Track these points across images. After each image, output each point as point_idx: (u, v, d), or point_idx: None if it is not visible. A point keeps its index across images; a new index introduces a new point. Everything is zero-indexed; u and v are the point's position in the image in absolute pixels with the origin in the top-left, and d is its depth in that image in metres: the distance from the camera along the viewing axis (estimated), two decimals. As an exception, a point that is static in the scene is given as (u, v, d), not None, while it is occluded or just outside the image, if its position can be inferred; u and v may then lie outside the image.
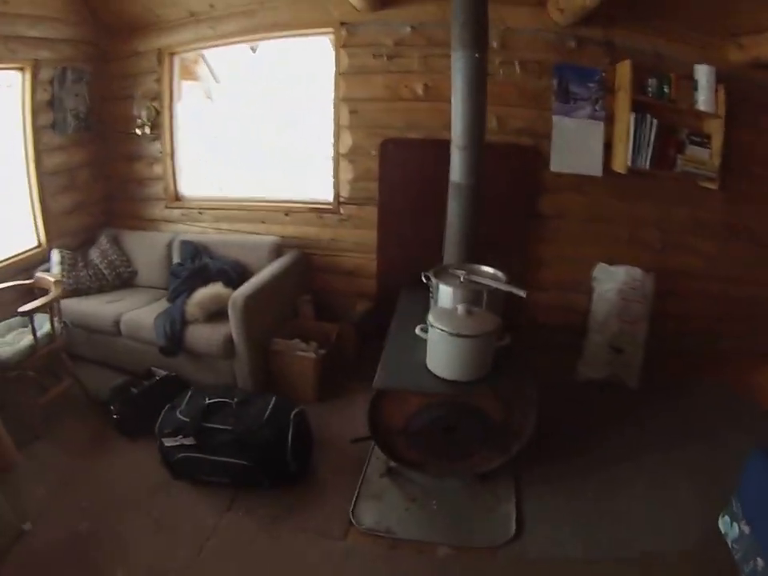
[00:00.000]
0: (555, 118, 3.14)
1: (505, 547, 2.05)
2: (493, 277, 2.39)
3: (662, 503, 2.33)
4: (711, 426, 2.81)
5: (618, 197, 3.23)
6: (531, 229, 3.28)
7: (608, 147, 3.16)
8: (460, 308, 2.15)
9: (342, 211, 3.44)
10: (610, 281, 3.12)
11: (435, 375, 2.18)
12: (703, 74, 3.13)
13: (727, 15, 3.01)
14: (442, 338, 2.11)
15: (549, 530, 2.15)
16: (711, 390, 3.19)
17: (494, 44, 3.06)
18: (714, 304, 3.51)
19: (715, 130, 3.18)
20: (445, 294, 2.30)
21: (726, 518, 2.15)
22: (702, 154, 3.19)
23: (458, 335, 2.06)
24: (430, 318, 2.15)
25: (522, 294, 2.22)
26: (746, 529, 2.05)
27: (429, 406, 2.22)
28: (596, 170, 3.15)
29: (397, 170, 3.24)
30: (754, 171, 3.36)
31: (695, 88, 3.15)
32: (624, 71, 3.07)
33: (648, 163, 3.10)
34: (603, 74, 3.14)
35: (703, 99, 3.14)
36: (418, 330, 2.25)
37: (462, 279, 2.31)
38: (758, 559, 1.95)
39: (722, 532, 2.14)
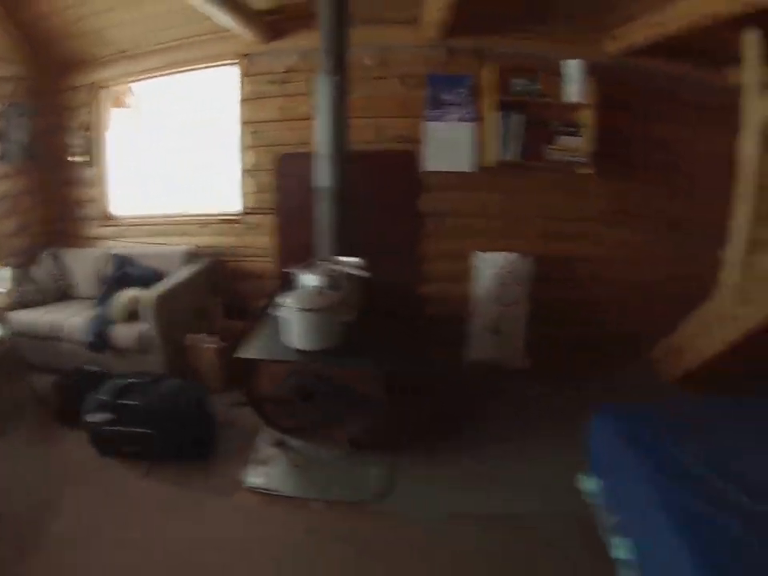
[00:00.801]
0: (428, 124, 3.47)
1: (373, 503, 2.36)
2: (352, 265, 2.72)
3: (532, 469, 2.60)
4: (593, 399, 3.02)
5: (493, 190, 3.54)
6: (416, 226, 3.59)
7: (481, 146, 3.46)
8: (310, 289, 2.52)
9: (247, 221, 3.81)
10: (489, 267, 3.42)
11: (287, 346, 2.50)
12: (573, 68, 3.42)
13: (600, 11, 3.32)
14: (290, 313, 2.44)
15: (417, 491, 2.44)
16: (593, 368, 3.46)
17: (368, 62, 3.45)
18: (598, 286, 3.78)
19: (587, 118, 3.47)
20: (305, 281, 2.64)
21: (584, 476, 2.40)
22: (574, 143, 3.49)
23: (302, 309, 2.40)
24: (283, 298, 2.47)
25: (366, 275, 2.63)
26: (599, 485, 2.33)
27: (289, 374, 2.56)
28: (468, 166, 3.47)
29: (291, 181, 3.61)
30: (630, 154, 3.67)
31: (566, 82, 3.44)
32: (489, 75, 3.39)
33: (518, 156, 3.40)
34: (473, 80, 3.45)
35: (573, 92, 3.43)
36: (277, 310, 2.56)
37: (317, 267, 2.66)
38: (612, 514, 2.22)
39: (583, 490, 2.39)
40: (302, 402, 2.59)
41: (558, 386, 3.24)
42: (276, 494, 2.43)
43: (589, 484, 2.36)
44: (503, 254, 3.43)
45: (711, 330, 3.23)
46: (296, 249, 3.65)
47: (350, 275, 2.65)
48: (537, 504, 2.40)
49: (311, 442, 2.70)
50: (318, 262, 2.77)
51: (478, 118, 3.46)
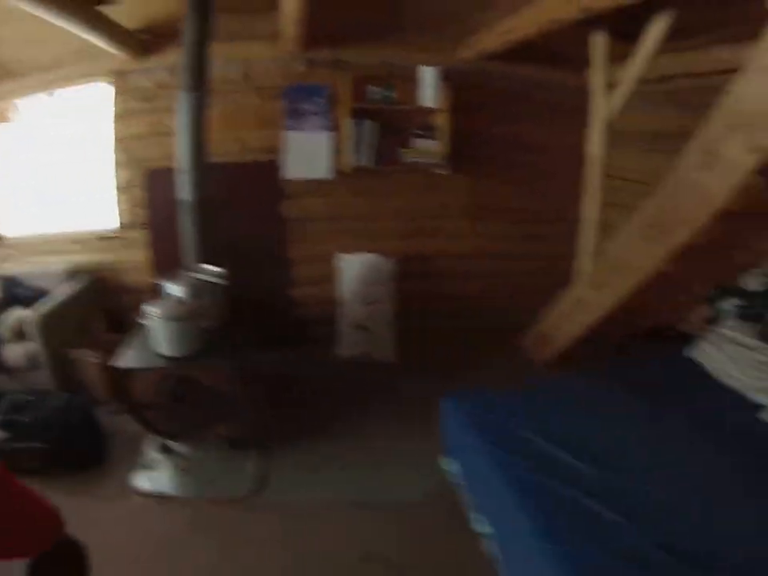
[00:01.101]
0: (288, 134, 3.61)
1: (249, 498, 2.53)
2: (213, 274, 2.86)
3: (401, 455, 2.81)
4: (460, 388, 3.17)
5: (352, 194, 3.70)
6: (281, 232, 3.73)
7: (339, 152, 3.61)
8: (173, 299, 2.66)
9: (124, 236, 3.91)
10: (352, 269, 3.59)
11: (155, 354, 2.62)
12: (428, 74, 3.60)
13: (452, 21, 3.48)
14: (156, 322, 2.57)
15: (292, 482, 2.63)
16: (462, 359, 3.62)
17: (232, 77, 3.58)
18: (461, 280, 4.03)
19: (442, 122, 3.65)
20: (170, 292, 2.76)
21: (445, 459, 2.64)
22: (429, 146, 3.67)
23: (165, 318, 2.53)
24: (148, 308, 2.58)
25: (224, 283, 2.81)
26: (456, 466, 2.53)
27: (160, 380, 2.74)
28: (326, 173, 3.62)
29: (159, 196, 3.71)
30: (488, 153, 3.88)
31: (421, 88, 3.62)
32: (343, 84, 3.53)
33: (371, 161, 3.56)
34: (330, 90, 3.59)
35: (427, 97, 3.61)
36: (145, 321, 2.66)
37: (181, 277, 2.79)
38: (469, 492, 2.42)
39: (446, 472, 2.62)
40: (175, 406, 2.77)
41: (426, 377, 3.40)
42: (162, 495, 2.60)
43: (449, 466, 2.58)
44: (365, 254, 3.60)
45: (572, 315, 3.44)
46: (168, 261, 3.72)
47: (211, 284, 2.80)
48: (406, 487, 2.61)
49: (192, 444, 2.87)
50: (182, 273, 2.90)
51: (334, 127, 3.61)
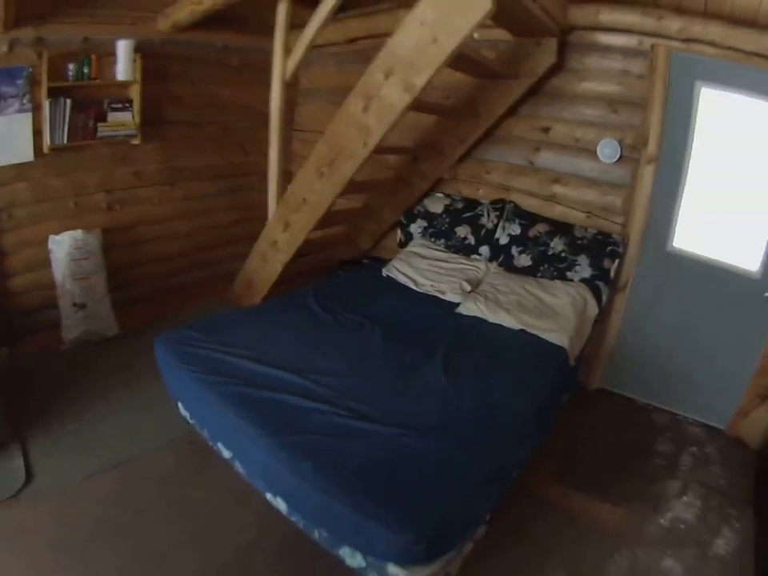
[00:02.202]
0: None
1: (20, 493, 2.52)
2: None
3: (142, 412, 3.14)
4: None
5: (55, 174, 3.66)
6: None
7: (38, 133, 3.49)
8: None
9: None
10: (61, 248, 3.64)
11: None
12: (121, 48, 3.65)
13: None
14: None
15: (53, 469, 2.68)
16: (179, 317, 3.86)
17: None
18: (168, 242, 4.47)
19: (135, 93, 3.80)
20: None
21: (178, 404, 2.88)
22: (124, 118, 3.80)
23: None
24: None
25: None
26: (184, 407, 2.80)
27: None
28: (27, 156, 3.49)
29: None
30: (180, 117, 4.25)
31: (117, 62, 3.67)
32: (41, 64, 3.35)
33: (65, 139, 3.54)
34: (32, 70, 3.37)
35: (122, 70, 3.69)
36: None
37: None
38: (201, 427, 2.68)
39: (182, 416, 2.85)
40: None
41: (148, 340, 3.49)
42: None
43: (181, 409, 2.82)
44: (70, 232, 3.68)
45: (269, 257, 3.87)
46: None
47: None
48: (153, 440, 2.93)
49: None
50: None
51: (35, 108, 3.46)
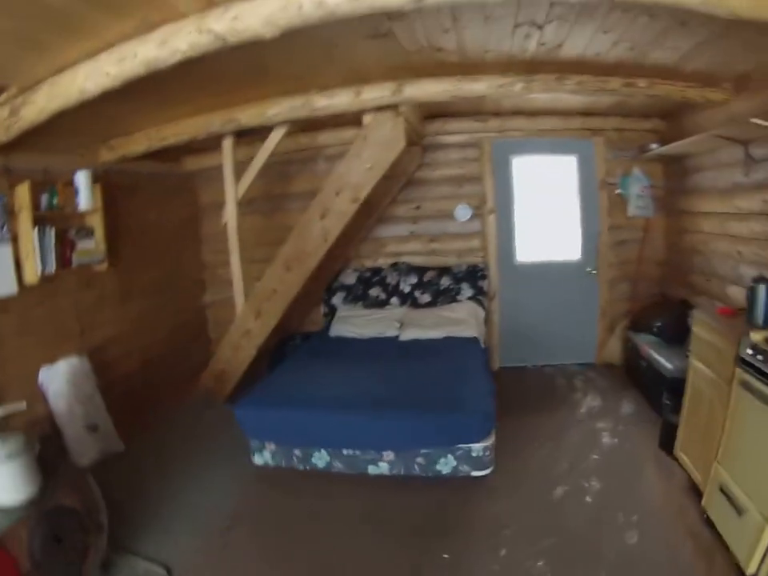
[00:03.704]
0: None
1: None
2: None
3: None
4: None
5: (38, 304, 3.65)
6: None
7: (22, 264, 3.43)
8: None
9: None
10: (56, 376, 3.59)
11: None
12: (81, 178, 3.83)
13: (101, 123, 3.72)
14: None
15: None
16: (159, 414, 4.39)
17: None
18: (134, 355, 4.69)
19: (97, 221, 4.02)
20: None
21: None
22: (89, 245, 3.96)
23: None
24: None
25: None
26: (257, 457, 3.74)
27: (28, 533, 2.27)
28: (10, 288, 3.39)
29: None
30: (135, 241, 4.65)
31: (77, 192, 3.82)
32: (23, 192, 3.41)
33: (53, 267, 3.56)
34: (5, 199, 3.38)
35: (83, 200, 3.85)
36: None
37: None
38: (296, 450, 3.63)
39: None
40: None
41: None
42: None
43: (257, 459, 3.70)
44: (64, 359, 3.72)
45: (242, 345, 4.64)
46: None
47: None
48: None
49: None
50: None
51: (13, 238, 3.43)
